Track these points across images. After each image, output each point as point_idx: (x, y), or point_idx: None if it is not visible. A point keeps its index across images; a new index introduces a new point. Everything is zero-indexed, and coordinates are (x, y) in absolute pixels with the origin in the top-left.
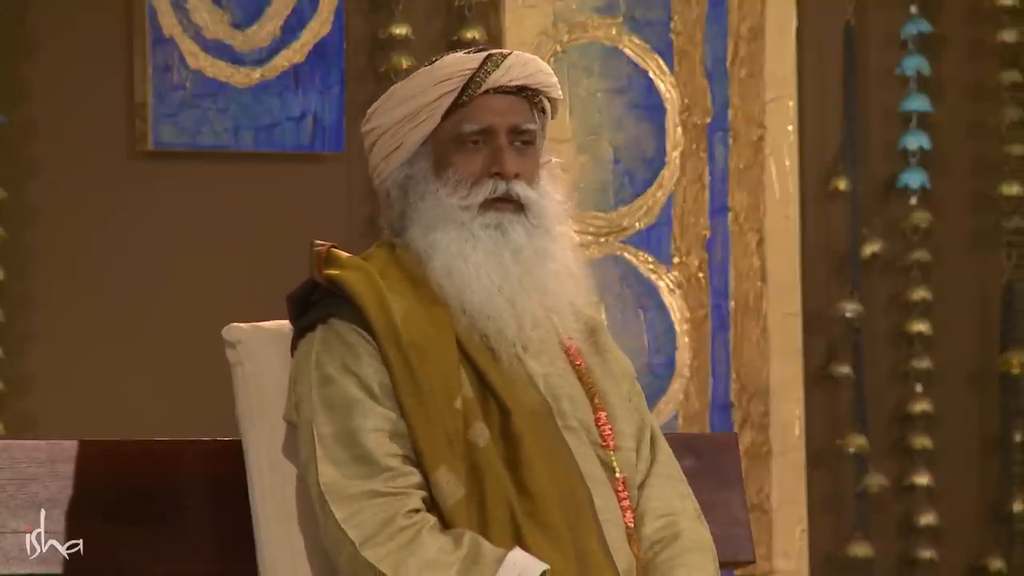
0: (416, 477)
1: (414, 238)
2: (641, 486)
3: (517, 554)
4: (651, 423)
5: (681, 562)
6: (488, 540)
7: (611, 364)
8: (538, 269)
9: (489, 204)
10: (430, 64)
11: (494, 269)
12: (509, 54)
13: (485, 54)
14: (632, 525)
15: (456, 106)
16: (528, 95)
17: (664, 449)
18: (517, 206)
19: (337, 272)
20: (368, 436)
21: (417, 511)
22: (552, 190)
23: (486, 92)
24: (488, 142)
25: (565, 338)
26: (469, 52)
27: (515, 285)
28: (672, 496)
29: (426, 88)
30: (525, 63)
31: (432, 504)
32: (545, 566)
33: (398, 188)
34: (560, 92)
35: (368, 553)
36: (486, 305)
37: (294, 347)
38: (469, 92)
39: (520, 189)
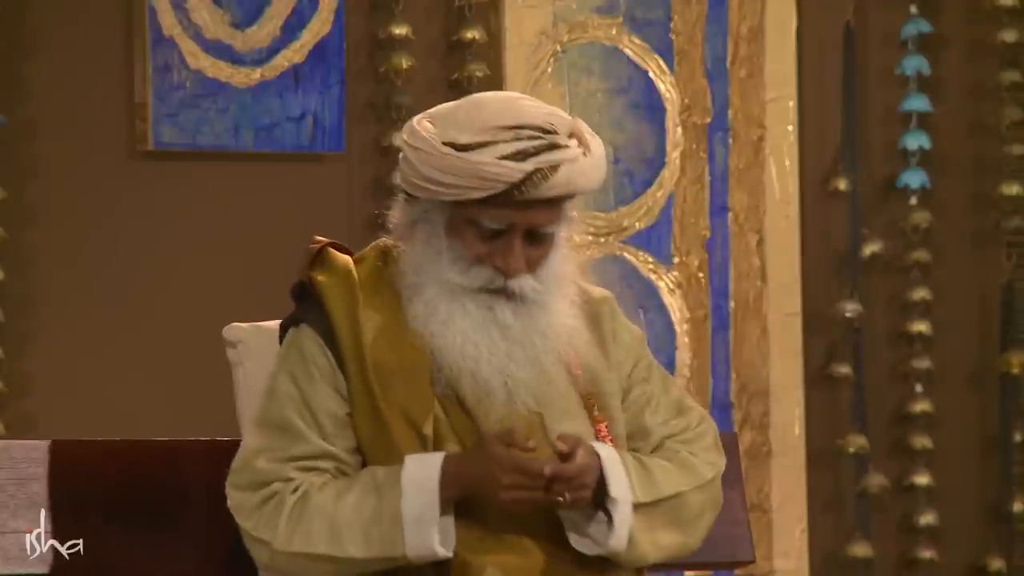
0: (313, 475)
1: (406, 271)
2: (664, 442)
3: (409, 461)
4: (671, 393)
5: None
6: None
7: (614, 353)
8: (527, 343)
9: (483, 290)
10: (474, 149)
11: (481, 340)
12: (559, 166)
13: (533, 167)
14: None
15: (484, 201)
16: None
17: (697, 416)
18: (511, 296)
19: (319, 276)
20: (277, 462)
21: (297, 484)
22: (559, 256)
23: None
24: (503, 237)
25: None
26: (517, 156)
27: (503, 358)
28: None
29: (462, 175)
30: (570, 180)
31: None
32: (441, 453)
33: (411, 221)
34: (602, 180)
35: (279, 544)
36: (464, 366)
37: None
38: (500, 199)
39: (517, 285)
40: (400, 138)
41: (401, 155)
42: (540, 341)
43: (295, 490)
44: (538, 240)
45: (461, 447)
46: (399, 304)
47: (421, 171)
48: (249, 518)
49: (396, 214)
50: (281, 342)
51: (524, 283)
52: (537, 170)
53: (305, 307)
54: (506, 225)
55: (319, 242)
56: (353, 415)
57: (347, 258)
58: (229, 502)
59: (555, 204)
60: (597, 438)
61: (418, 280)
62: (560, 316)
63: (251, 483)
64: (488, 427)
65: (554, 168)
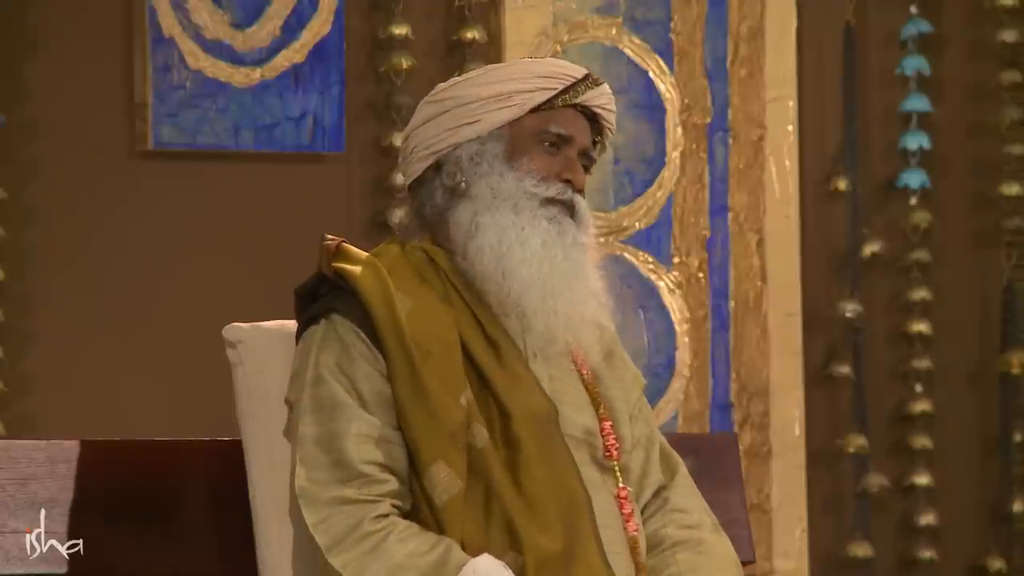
0: (390, 486)
1: (461, 215)
2: (660, 491)
3: (480, 560)
4: (659, 436)
5: (702, 563)
6: (486, 539)
7: (620, 371)
8: (578, 277)
9: (553, 202)
10: (531, 58)
11: (546, 260)
12: (603, 82)
13: (585, 71)
14: (635, 534)
15: (547, 105)
16: (596, 126)
17: (681, 461)
18: (573, 215)
19: (345, 265)
20: (348, 440)
21: (385, 516)
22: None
23: (575, 105)
24: (563, 150)
25: (573, 346)
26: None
27: (559, 283)
28: (696, 508)
29: (527, 77)
30: (611, 96)
31: (417, 509)
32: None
33: (468, 160)
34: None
35: (334, 559)
36: (522, 296)
37: (298, 338)
38: (564, 98)
39: (580, 203)
40: (426, 105)
41: (428, 118)
42: (583, 278)
43: (379, 517)
44: (584, 167)
45: (488, 431)
46: (423, 285)
47: (482, 93)
48: (316, 512)
49: (425, 189)
50: (298, 338)
51: (581, 203)
52: (589, 73)
53: (333, 297)
54: (570, 134)
55: (333, 239)
56: (394, 390)
57: (363, 252)
58: (298, 487)
59: (592, 128)
60: (601, 435)
61: (481, 217)
62: (596, 275)
63: (329, 463)
64: (514, 405)
65: (600, 81)
